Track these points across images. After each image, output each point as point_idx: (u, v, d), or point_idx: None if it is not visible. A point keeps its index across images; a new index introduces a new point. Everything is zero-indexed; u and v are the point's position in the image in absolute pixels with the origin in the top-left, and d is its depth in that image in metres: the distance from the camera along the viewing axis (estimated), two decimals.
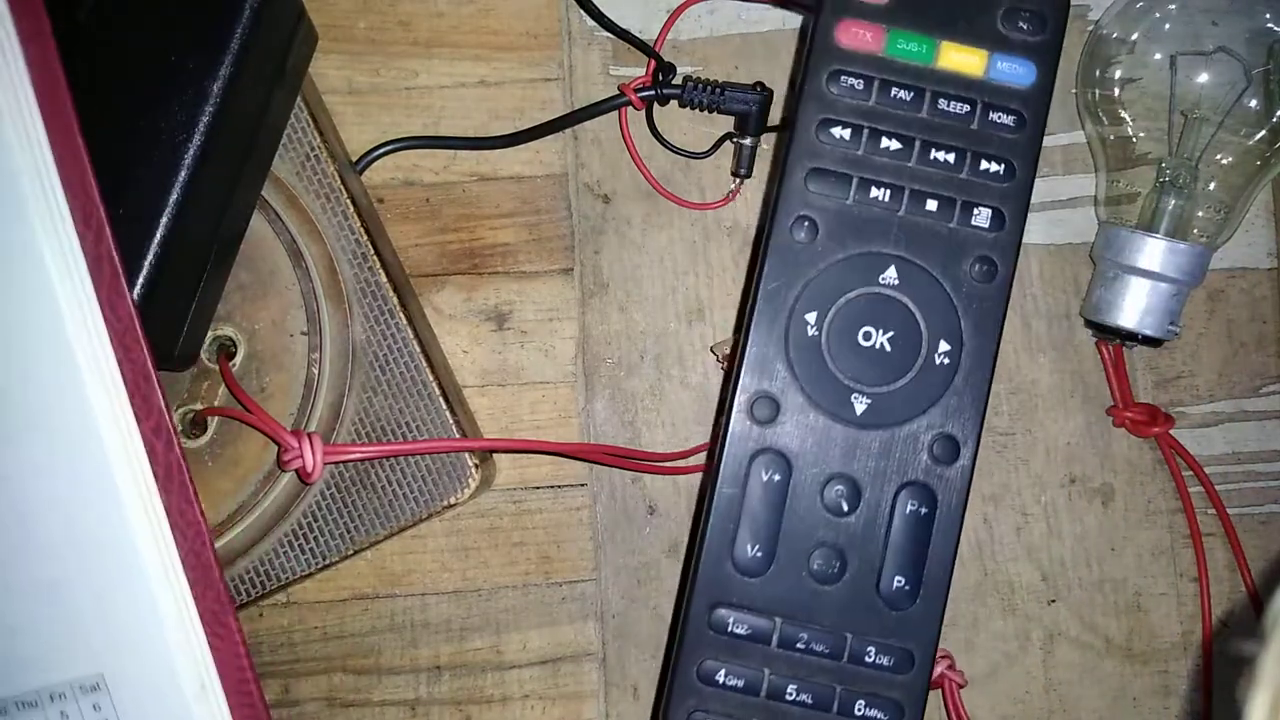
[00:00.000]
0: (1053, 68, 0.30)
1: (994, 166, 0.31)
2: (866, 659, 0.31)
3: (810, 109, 0.30)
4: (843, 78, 0.30)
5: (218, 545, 0.37)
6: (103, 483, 0.30)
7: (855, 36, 0.30)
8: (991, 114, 0.30)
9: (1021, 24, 0.30)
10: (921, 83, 0.30)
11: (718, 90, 0.40)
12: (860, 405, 0.31)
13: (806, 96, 0.30)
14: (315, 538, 0.37)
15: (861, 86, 0.30)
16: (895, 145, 0.30)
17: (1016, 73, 0.30)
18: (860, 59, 0.30)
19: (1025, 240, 0.42)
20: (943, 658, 0.40)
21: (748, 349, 0.32)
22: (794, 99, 0.32)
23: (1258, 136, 0.39)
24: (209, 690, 0.30)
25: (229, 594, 0.31)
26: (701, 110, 0.40)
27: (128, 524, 0.30)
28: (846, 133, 0.30)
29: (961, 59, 0.30)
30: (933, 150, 0.30)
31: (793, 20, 0.41)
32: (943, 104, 0.30)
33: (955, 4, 0.30)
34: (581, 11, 0.41)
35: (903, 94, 0.30)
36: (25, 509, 0.30)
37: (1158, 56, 0.39)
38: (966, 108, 0.30)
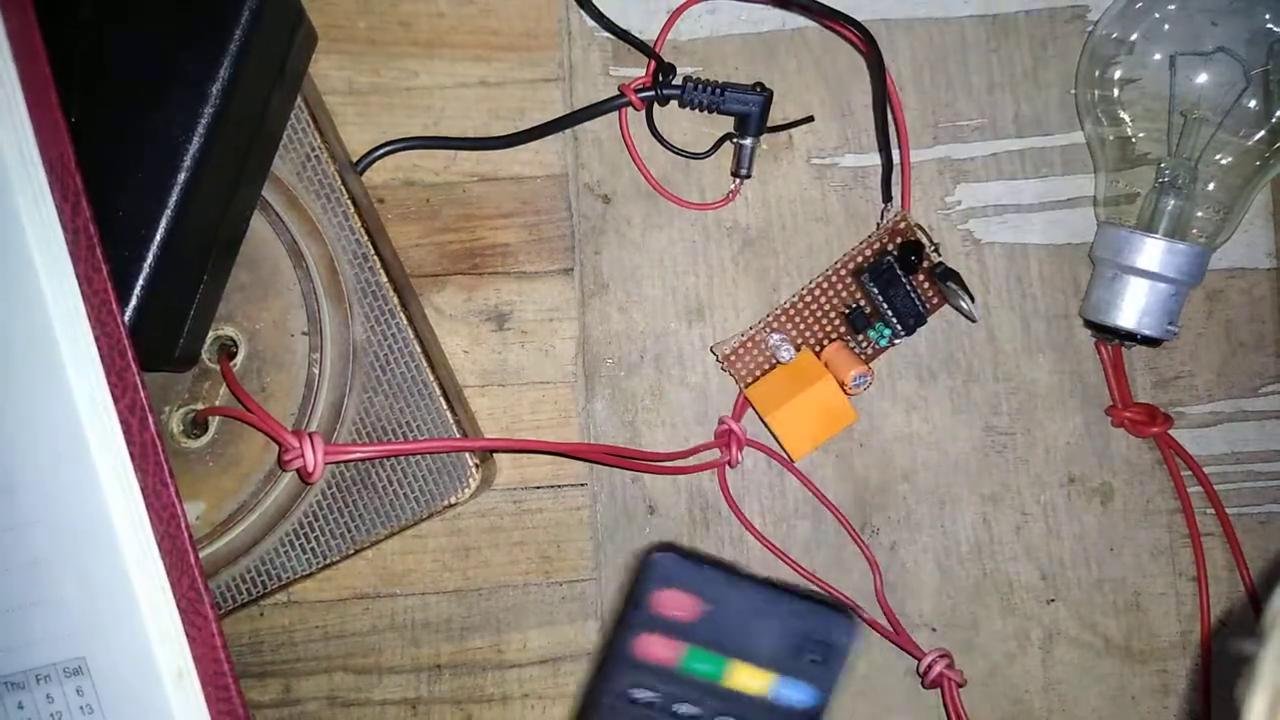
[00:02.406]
0: (830, 695, 0.32)
1: None
2: None
3: (600, 718, 0.32)
4: (633, 690, 0.31)
5: (219, 545, 0.37)
6: (79, 460, 0.30)
7: (652, 651, 0.31)
8: None
9: (808, 654, 0.31)
10: (708, 698, 0.31)
11: (718, 91, 0.40)
12: None
13: (598, 706, 0.32)
14: (316, 537, 0.37)
15: (650, 700, 0.31)
16: None
17: (797, 696, 0.31)
18: (653, 671, 0.31)
19: (1025, 240, 0.42)
20: (941, 656, 0.40)
21: None
22: (587, 692, 0.33)
23: (1257, 137, 0.39)
24: (185, 678, 0.30)
25: (205, 582, 0.31)
26: (701, 111, 0.40)
27: (104, 503, 0.30)
28: None
29: (749, 680, 0.31)
30: None
31: (793, 20, 0.41)
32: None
33: (750, 629, 0.31)
34: (581, 12, 0.41)
35: (689, 709, 0.31)
36: (4, 485, 0.30)
37: (1157, 57, 0.39)
38: None
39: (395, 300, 0.37)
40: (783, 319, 0.40)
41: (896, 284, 0.40)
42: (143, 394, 0.30)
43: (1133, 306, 0.39)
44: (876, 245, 0.40)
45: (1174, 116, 0.39)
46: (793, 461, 0.40)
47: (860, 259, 0.40)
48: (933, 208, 0.42)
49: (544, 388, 0.41)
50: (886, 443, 0.42)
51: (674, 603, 0.31)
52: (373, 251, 0.37)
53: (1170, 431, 0.41)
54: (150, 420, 0.30)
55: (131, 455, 0.30)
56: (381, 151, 0.40)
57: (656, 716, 0.32)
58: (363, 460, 0.37)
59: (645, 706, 0.32)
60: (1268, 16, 0.38)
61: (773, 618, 0.31)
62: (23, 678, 0.30)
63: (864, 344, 0.41)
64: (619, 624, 0.32)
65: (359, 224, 0.37)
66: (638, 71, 0.41)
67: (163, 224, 0.32)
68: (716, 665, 0.31)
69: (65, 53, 0.32)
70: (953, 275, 0.40)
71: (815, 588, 0.36)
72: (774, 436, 0.40)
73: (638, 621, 0.31)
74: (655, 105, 0.41)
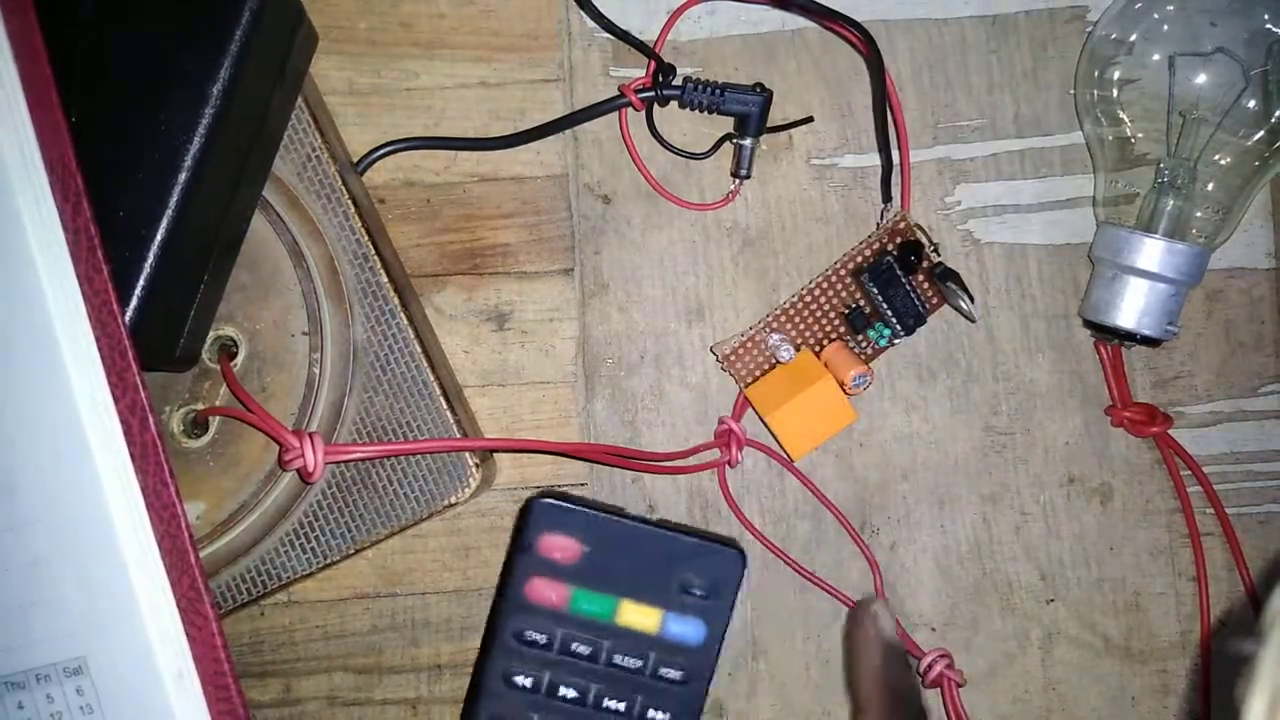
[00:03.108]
0: (721, 629, 0.33)
1: (661, 715, 0.33)
2: None
3: (497, 660, 0.33)
4: (527, 631, 0.32)
5: (220, 545, 0.37)
6: (80, 460, 0.30)
7: (542, 594, 0.32)
8: (661, 668, 0.33)
9: (695, 590, 0.32)
10: (601, 637, 0.33)
11: (717, 91, 0.40)
12: None
13: (495, 648, 0.33)
14: (316, 537, 0.37)
15: (545, 640, 0.33)
16: (572, 694, 0.33)
17: (687, 632, 0.33)
18: (545, 614, 0.33)
19: (1024, 240, 0.42)
20: (941, 656, 0.40)
21: None
22: (486, 635, 0.35)
23: (1256, 137, 0.39)
24: (185, 678, 0.30)
25: (205, 582, 0.31)
26: (701, 111, 0.40)
27: (104, 504, 0.30)
28: (528, 681, 0.33)
29: (638, 618, 0.32)
30: (606, 699, 0.33)
31: (793, 21, 0.42)
32: (618, 658, 0.33)
33: (636, 568, 0.32)
34: (582, 13, 0.41)
35: (582, 647, 0.33)
36: (5, 485, 0.30)
37: (1156, 57, 0.39)
38: (639, 662, 0.33)
39: (395, 300, 0.37)
40: (782, 319, 0.40)
41: (896, 284, 0.40)
42: (143, 394, 0.30)
43: (1132, 306, 0.39)
44: (876, 245, 0.40)
45: (1173, 117, 0.39)
46: (792, 461, 0.40)
47: (860, 259, 0.40)
48: (932, 208, 0.42)
49: (544, 388, 0.41)
50: (886, 442, 0.42)
51: (556, 546, 0.32)
52: (373, 252, 0.37)
53: (1170, 431, 0.41)
54: (151, 420, 0.30)
55: (132, 455, 0.30)
56: (382, 152, 0.40)
57: (552, 656, 0.33)
58: (363, 460, 0.37)
59: (541, 647, 0.33)
60: (1266, 17, 0.38)
61: (657, 556, 0.33)
62: (23, 678, 0.30)
63: (864, 344, 0.41)
64: (508, 570, 0.33)
65: (359, 224, 0.37)
66: (638, 72, 0.41)
67: (163, 224, 0.32)
68: (605, 605, 0.32)
69: (65, 53, 0.32)
70: (952, 275, 0.40)
71: (702, 529, 0.37)
72: (774, 436, 0.40)
73: (524, 566, 0.32)
74: (655, 106, 0.41)
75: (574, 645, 0.33)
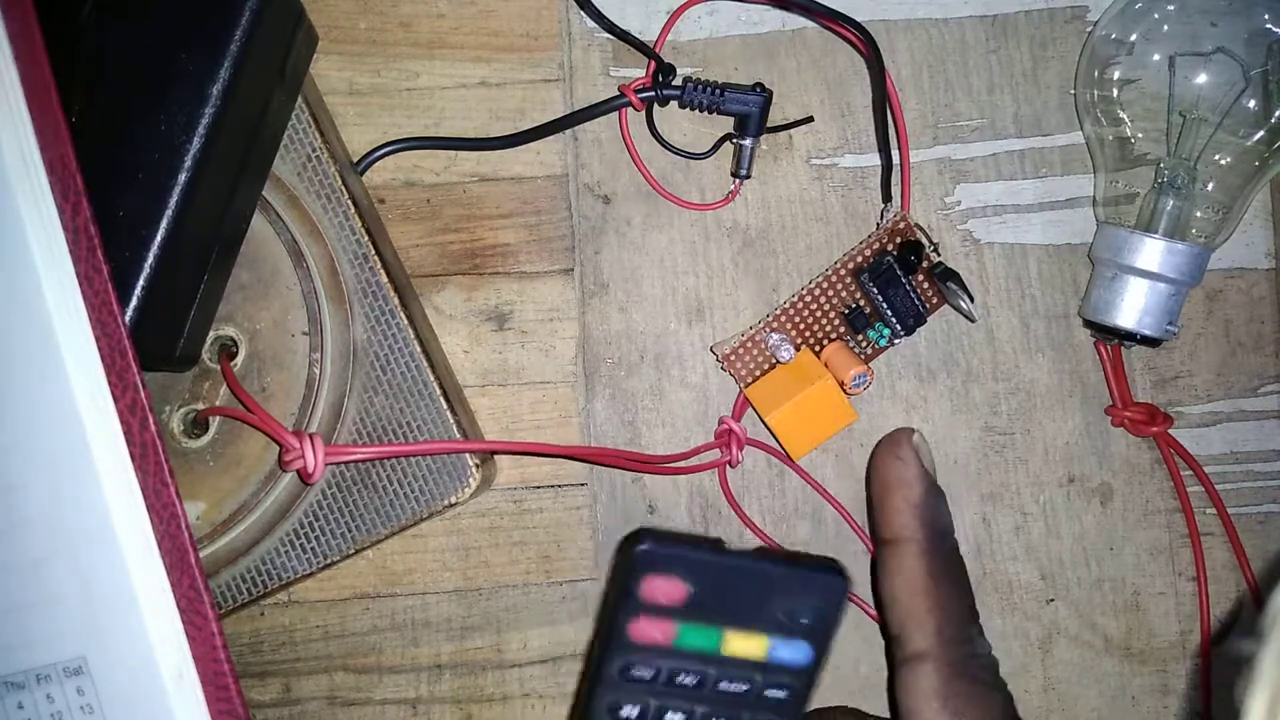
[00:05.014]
0: (826, 646, 0.33)
1: None
2: None
3: (602, 695, 0.32)
4: (633, 669, 0.32)
5: (220, 545, 0.37)
6: (80, 460, 0.30)
7: (647, 633, 0.32)
8: (768, 690, 0.33)
9: (801, 617, 0.32)
10: (707, 667, 0.32)
11: (717, 91, 0.40)
12: None
13: (600, 684, 0.32)
14: (316, 537, 0.37)
15: (651, 675, 0.32)
16: (680, 717, 0.33)
17: (794, 655, 0.32)
18: (651, 651, 0.32)
19: (1024, 240, 0.42)
20: None
21: None
22: (589, 668, 0.35)
23: (1256, 137, 0.39)
24: (185, 678, 0.30)
25: (205, 581, 0.31)
26: (701, 111, 0.40)
27: (105, 504, 0.30)
28: (634, 711, 0.32)
29: (744, 646, 0.32)
30: (713, 719, 0.33)
31: (793, 21, 0.42)
32: (724, 684, 0.32)
33: (740, 599, 0.32)
34: (582, 13, 0.41)
35: (688, 679, 0.32)
36: (5, 485, 0.30)
37: (1156, 57, 0.39)
38: (746, 686, 0.32)
39: (395, 300, 0.37)
40: (782, 319, 0.40)
41: (896, 284, 0.40)
42: (143, 394, 0.30)
43: (1132, 306, 0.39)
44: (876, 245, 0.40)
45: (1173, 117, 0.39)
46: (793, 461, 0.40)
47: (860, 259, 0.40)
48: (932, 208, 0.42)
49: (544, 388, 0.41)
50: None
51: (661, 589, 0.32)
52: (373, 251, 0.37)
53: (1170, 431, 0.41)
54: (151, 420, 0.30)
55: (132, 455, 0.30)
56: (382, 152, 0.40)
57: (658, 689, 0.32)
58: (363, 461, 0.37)
59: (648, 682, 0.32)
60: (1266, 17, 0.38)
61: (760, 585, 0.32)
62: (23, 678, 0.30)
63: (863, 344, 0.41)
64: (611, 613, 0.33)
65: (359, 224, 0.37)
66: (638, 72, 0.41)
67: (163, 224, 0.32)
68: (711, 638, 0.32)
69: (65, 53, 0.32)
70: (952, 275, 0.40)
71: (800, 551, 0.37)
72: (774, 436, 0.40)
73: (628, 610, 0.32)
74: (655, 106, 0.41)
75: (680, 678, 0.32)
